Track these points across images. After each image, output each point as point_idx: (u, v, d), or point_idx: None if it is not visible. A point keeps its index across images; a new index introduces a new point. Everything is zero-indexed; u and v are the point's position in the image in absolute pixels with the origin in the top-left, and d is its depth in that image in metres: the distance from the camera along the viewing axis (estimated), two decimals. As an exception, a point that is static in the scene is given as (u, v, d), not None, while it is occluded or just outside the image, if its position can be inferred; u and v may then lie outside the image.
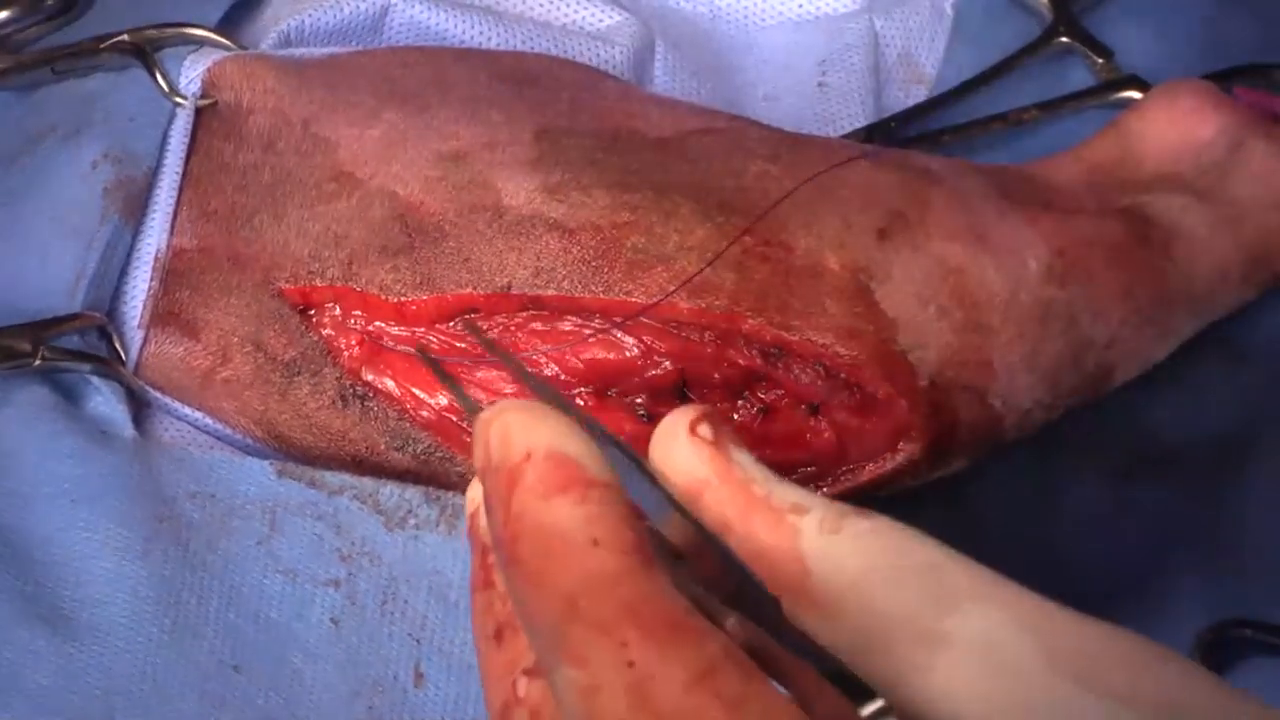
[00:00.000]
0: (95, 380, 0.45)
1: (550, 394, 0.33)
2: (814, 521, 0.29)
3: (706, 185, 0.45)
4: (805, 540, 0.29)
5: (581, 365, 0.43)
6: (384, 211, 0.45)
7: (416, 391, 0.45)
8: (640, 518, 0.28)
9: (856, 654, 0.28)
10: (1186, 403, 0.51)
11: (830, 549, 0.28)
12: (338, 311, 0.45)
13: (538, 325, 0.44)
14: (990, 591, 0.28)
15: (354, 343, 0.45)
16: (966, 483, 0.48)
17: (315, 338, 0.45)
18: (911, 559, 0.28)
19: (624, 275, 0.43)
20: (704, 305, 0.43)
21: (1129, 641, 0.28)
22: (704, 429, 0.30)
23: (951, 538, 0.47)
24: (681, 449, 0.30)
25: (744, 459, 0.30)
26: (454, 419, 0.44)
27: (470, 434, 0.43)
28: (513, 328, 0.44)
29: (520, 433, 0.28)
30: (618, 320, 0.43)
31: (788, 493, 0.30)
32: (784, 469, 0.44)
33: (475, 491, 0.32)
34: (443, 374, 0.35)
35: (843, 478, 0.44)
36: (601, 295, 0.43)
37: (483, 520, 0.31)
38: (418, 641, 0.41)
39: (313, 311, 0.46)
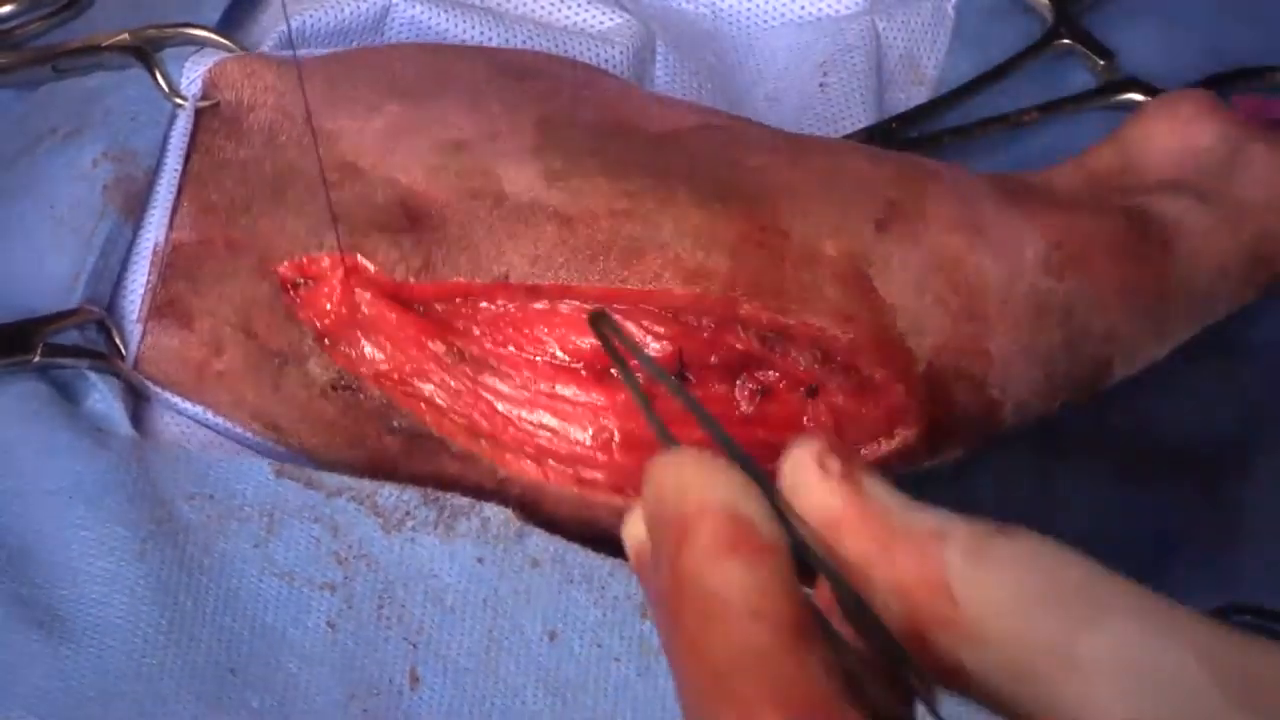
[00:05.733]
0: (93, 377, 0.45)
1: (723, 440, 0.31)
2: (957, 551, 0.28)
3: (705, 174, 0.45)
4: (950, 571, 0.28)
5: (586, 349, 0.44)
6: (386, 197, 0.45)
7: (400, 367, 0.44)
8: (800, 588, 0.27)
9: (1008, 681, 0.27)
10: (1186, 402, 0.51)
11: (977, 578, 0.28)
12: (326, 289, 0.45)
13: (540, 305, 0.44)
14: (1143, 606, 0.27)
15: (330, 310, 0.44)
16: (967, 479, 0.48)
17: (302, 324, 0.45)
18: (1060, 581, 0.27)
19: (619, 263, 0.43)
20: (699, 290, 0.43)
21: None
22: (832, 463, 0.29)
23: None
24: (814, 486, 0.29)
25: (878, 490, 0.29)
26: (438, 401, 0.44)
27: (460, 417, 0.43)
28: (513, 308, 0.44)
29: (697, 485, 0.28)
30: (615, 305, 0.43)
31: (926, 519, 0.29)
32: (780, 451, 0.44)
33: (636, 528, 0.31)
34: (634, 385, 0.32)
35: None
36: (597, 283, 0.43)
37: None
38: (414, 645, 0.41)
39: (302, 283, 0.45)
